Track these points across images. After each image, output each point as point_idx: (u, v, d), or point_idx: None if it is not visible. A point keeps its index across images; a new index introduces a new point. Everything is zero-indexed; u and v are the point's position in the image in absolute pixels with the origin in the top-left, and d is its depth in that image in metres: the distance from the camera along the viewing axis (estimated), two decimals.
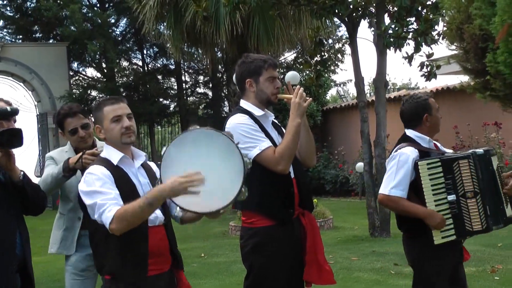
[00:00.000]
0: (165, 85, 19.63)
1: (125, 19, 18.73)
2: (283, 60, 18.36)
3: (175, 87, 19.59)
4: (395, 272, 5.84)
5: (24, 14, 18.04)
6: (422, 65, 8.11)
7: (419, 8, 7.74)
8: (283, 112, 14.10)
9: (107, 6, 18.89)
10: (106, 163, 2.39)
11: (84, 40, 16.33)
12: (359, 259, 6.60)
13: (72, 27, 16.88)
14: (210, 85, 19.42)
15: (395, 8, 7.75)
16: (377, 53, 8.21)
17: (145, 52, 19.50)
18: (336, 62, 19.25)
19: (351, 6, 7.81)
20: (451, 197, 2.88)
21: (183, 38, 12.57)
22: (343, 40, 18.49)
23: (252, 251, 2.78)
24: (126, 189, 2.35)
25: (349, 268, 6.17)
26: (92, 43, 16.25)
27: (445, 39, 7.48)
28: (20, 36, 18.74)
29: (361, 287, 5.40)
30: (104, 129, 2.45)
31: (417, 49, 7.75)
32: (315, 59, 9.12)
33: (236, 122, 2.78)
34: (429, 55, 8.00)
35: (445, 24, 7.43)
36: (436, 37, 7.68)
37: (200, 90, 20.58)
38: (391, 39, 7.50)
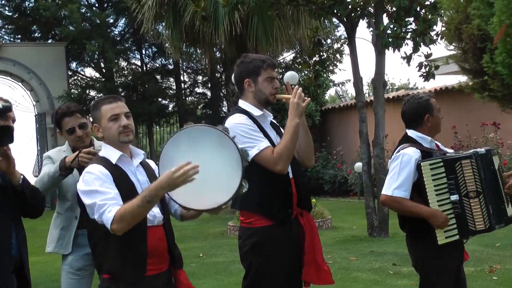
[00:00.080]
0: (164, 85, 19.62)
1: (124, 19, 18.72)
2: (281, 60, 18.37)
3: (174, 87, 19.59)
4: (393, 272, 5.85)
5: (23, 14, 18.02)
6: (420, 65, 8.12)
7: (418, 8, 7.75)
8: (281, 112, 14.11)
9: (105, 6, 18.88)
10: (105, 162, 2.39)
11: (82, 40, 16.31)
12: (357, 259, 6.61)
13: (70, 27, 16.86)
14: (209, 85, 19.42)
15: (394, 8, 7.75)
16: (375, 53, 8.21)
17: (143, 52, 19.49)
18: (335, 62, 19.27)
19: (350, 6, 7.81)
20: (454, 197, 2.89)
21: (182, 38, 12.57)
22: (342, 40, 18.51)
23: (251, 251, 2.78)
24: (125, 187, 2.35)
25: (348, 268, 6.17)
26: (91, 43, 16.23)
27: (443, 39, 7.48)
28: (19, 36, 18.70)
29: (359, 287, 5.41)
30: (102, 128, 2.45)
31: (415, 49, 7.76)
32: (313, 59, 9.12)
33: (234, 122, 2.78)
34: (427, 55, 8.02)
35: (443, 24, 7.43)
36: (435, 37, 7.70)
37: (199, 90, 20.61)
38: (390, 39, 7.51)
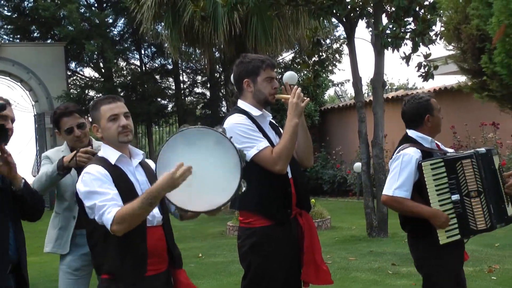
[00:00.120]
0: (163, 85, 19.63)
1: (123, 19, 18.71)
2: (281, 60, 18.37)
3: (173, 87, 19.59)
4: (392, 272, 5.85)
5: (22, 14, 18.02)
6: (419, 65, 8.13)
7: (417, 9, 7.75)
8: (281, 112, 14.10)
9: (104, 6, 18.88)
10: (104, 162, 2.39)
11: (81, 40, 16.31)
12: (356, 259, 6.61)
13: (69, 27, 16.86)
14: (208, 85, 19.41)
15: (393, 8, 7.76)
16: (374, 53, 8.21)
17: (143, 52, 19.49)
18: (334, 62, 19.29)
19: (349, 6, 7.81)
20: (455, 197, 2.90)
21: (181, 38, 12.57)
22: (341, 40, 18.52)
23: (250, 251, 2.78)
24: (125, 188, 2.35)
25: (347, 268, 6.17)
26: (90, 43, 16.23)
27: (442, 40, 7.49)
28: (18, 36, 18.71)
29: (358, 287, 5.41)
30: (101, 128, 2.45)
31: (414, 49, 7.76)
32: (313, 59, 9.11)
33: (233, 122, 2.78)
34: (426, 55, 8.02)
35: (442, 25, 7.44)
36: (434, 37, 7.69)
37: (198, 90, 20.60)
38: (389, 39, 7.51)
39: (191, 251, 7.74)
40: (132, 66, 19.59)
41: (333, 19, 10.32)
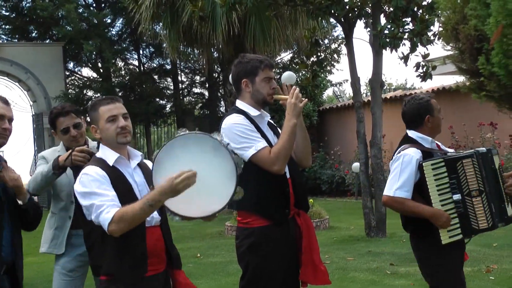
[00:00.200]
0: (161, 85, 19.60)
1: (121, 19, 18.69)
2: (279, 60, 18.37)
3: (171, 87, 19.56)
4: (391, 272, 5.85)
5: (20, 14, 17.98)
6: (418, 65, 8.13)
7: (415, 9, 7.76)
8: (279, 112, 14.11)
9: (103, 6, 18.85)
10: (102, 164, 2.39)
11: (80, 40, 16.28)
12: (355, 259, 6.61)
13: (68, 27, 16.83)
14: (207, 85, 19.40)
15: (391, 9, 7.77)
16: (373, 53, 8.22)
17: (141, 52, 19.47)
18: (332, 63, 19.28)
19: (347, 7, 7.82)
20: (456, 197, 2.90)
21: (180, 38, 12.56)
22: (339, 40, 18.51)
23: (248, 251, 2.78)
24: (123, 189, 2.35)
25: (345, 268, 6.18)
26: (88, 43, 16.20)
27: (440, 40, 7.49)
28: (16, 36, 18.67)
29: (357, 287, 5.41)
30: (99, 129, 2.45)
31: (413, 49, 7.77)
32: (311, 59, 9.13)
33: (231, 122, 2.79)
34: (424, 56, 8.02)
35: (440, 25, 7.43)
36: (432, 37, 7.71)
37: (197, 90, 20.58)
38: (387, 40, 7.51)
39: (189, 251, 7.74)
40: (131, 66, 19.56)
41: (332, 19, 10.34)
